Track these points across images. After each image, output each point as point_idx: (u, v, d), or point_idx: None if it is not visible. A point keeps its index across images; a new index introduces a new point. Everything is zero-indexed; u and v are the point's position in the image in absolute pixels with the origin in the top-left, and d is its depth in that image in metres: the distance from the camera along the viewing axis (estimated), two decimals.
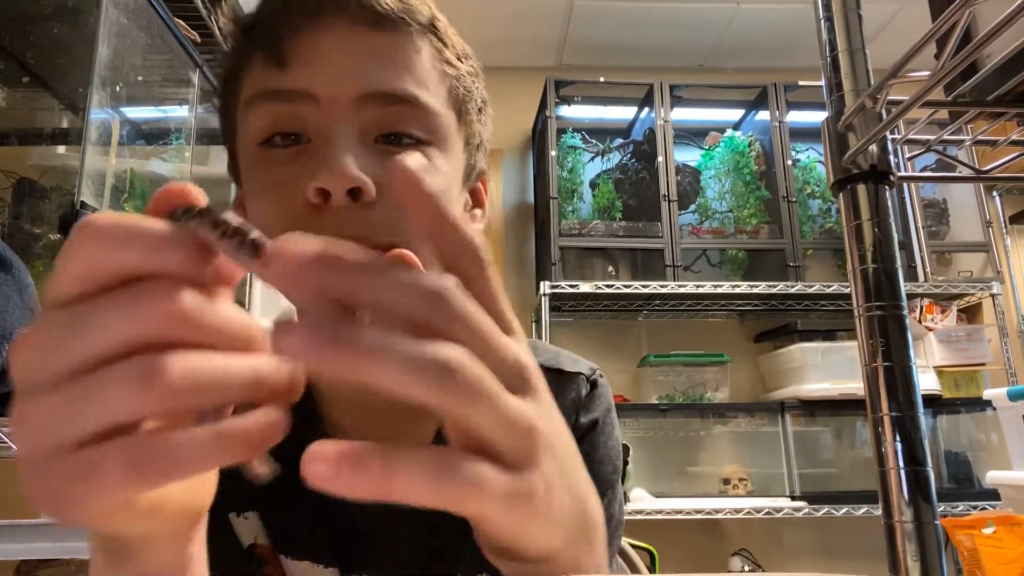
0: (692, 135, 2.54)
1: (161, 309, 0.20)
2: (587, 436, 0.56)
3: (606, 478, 0.55)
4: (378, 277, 0.21)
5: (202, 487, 0.28)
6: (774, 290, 2.21)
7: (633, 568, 0.82)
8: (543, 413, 0.24)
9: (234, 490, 0.32)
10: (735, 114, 2.62)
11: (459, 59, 0.50)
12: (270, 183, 0.44)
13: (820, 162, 2.42)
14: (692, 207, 2.42)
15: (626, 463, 1.92)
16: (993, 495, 1.97)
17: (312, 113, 0.43)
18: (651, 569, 1.74)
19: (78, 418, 0.20)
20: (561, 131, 2.43)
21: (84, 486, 0.20)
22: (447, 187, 0.47)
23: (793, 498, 2.10)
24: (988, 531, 1.29)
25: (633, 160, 2.47)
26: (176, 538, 0.28)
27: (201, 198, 0.23)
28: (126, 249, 0.21)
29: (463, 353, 0.21)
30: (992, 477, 1.45)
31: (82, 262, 0.21)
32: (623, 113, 2.60)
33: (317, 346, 0.20)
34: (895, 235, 0.57)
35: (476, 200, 0.56)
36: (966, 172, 0.66)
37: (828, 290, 2.23)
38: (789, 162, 2.37)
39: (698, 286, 2.21)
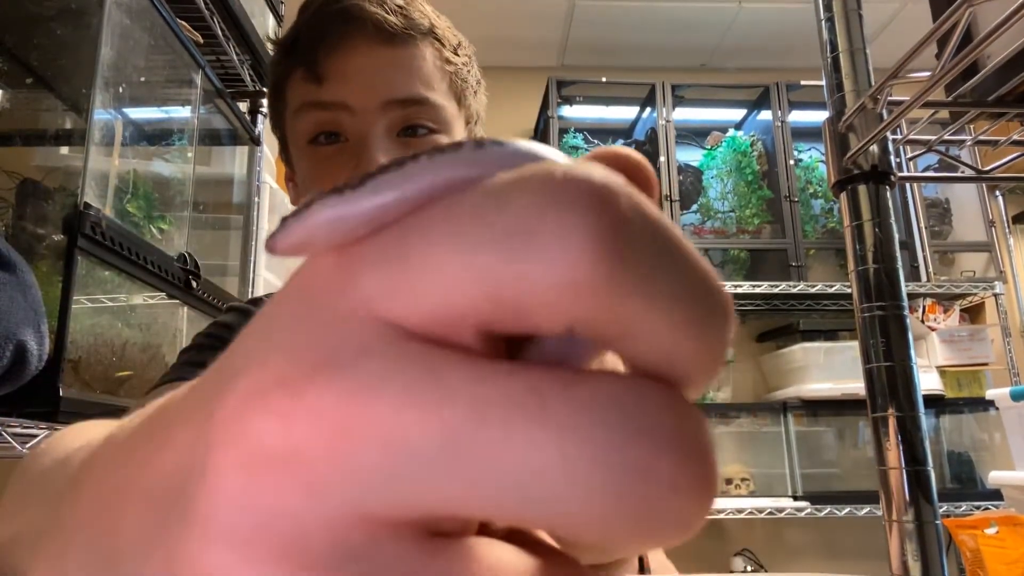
0: (694, 135, 2.54)
1: None
2: None
3: None
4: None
5: None
6: (776, 290, 2.21)
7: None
8: None
9: None
10: (737, 114, 2.61)
11: (455, 53, 0.60)
12: (319, 173, 0.56)
13: (822, 162, 2.41)
14: (694, 207, 2.41)
15: None
16: (996, 495, 1.97)
17: (348, 119, 0.55)
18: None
19: None
20: (563, 131, 2.43)
21: None
22: None
23: (795, 498, 2.09)
24: (991, 531, 1.29)
25: None
26: None
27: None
28: None
29: None
30: (995, 477, 1.45)
31: None
32: (625, 113, 2.60)
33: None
34: (896, 235, 0.57)
35: None
36: (967, 172, 0.66)
37: (830, 290, 2.22)
38: (791, 162, 2.36)
39: None
